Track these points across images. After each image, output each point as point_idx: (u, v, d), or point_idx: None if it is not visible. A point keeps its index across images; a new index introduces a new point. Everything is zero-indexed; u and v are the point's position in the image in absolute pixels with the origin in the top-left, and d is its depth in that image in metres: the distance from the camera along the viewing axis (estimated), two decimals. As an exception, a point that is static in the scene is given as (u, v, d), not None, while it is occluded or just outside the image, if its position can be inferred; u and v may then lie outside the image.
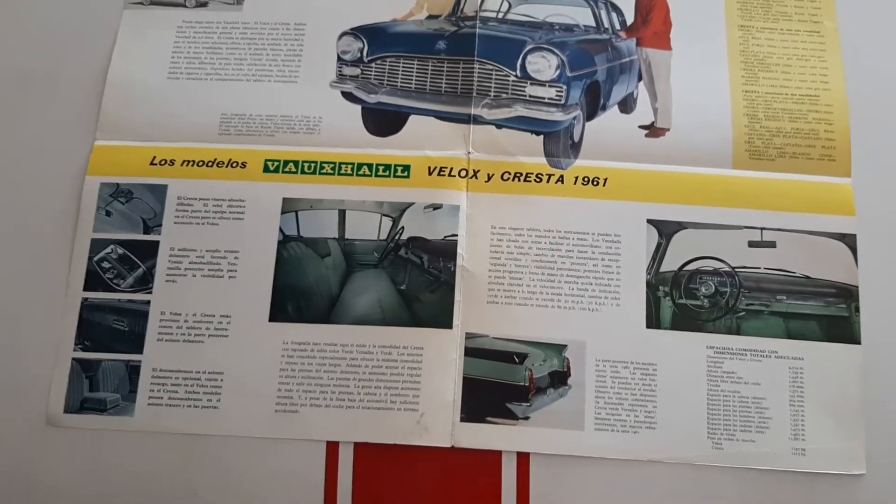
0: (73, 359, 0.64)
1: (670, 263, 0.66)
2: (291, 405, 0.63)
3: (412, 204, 0.67)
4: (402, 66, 0.72)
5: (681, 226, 0.67)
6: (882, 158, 0.69)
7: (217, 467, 0.62)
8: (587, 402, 0.63)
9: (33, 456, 0.62)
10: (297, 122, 0.69)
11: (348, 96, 0.71)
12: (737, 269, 0.66)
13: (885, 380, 0.64)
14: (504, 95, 0.70)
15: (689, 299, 0.66)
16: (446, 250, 0.65)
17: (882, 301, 0.66)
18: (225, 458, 0.62)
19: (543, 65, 0.70)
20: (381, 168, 0.68)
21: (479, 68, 0.70)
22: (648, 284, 0.66)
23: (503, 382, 0.63)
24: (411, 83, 0.72)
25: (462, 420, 0.62)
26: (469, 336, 0.64)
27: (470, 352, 0.64)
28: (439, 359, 0.63)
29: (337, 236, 0.66)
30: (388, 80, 0.72)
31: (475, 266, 0.65)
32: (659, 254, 0.66)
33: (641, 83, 0.72)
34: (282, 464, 0.62)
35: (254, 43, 0.72)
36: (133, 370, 0.64)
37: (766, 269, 0.66)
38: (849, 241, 0.67)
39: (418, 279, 0.65)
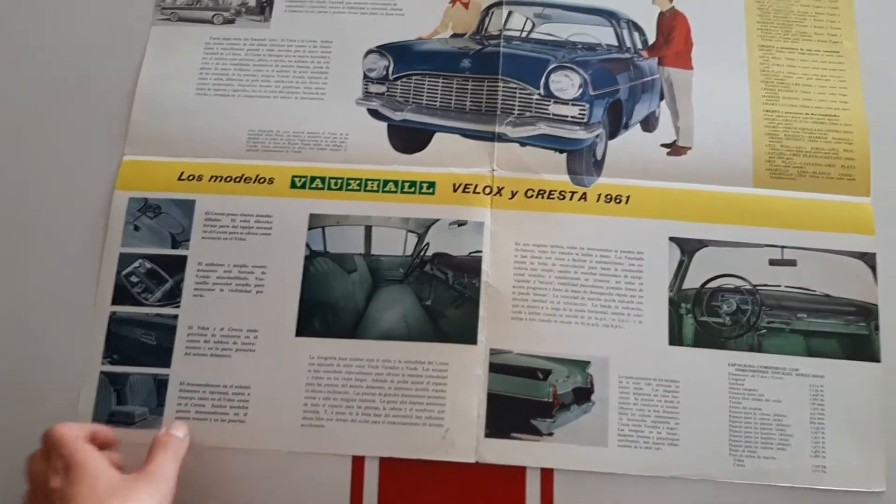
0: (102, 372, 0.65)
1: (692, 281, 0.67)
2: (318, 419, 0.63)
3: (437, 220, 0.68)
4: (428, 84, 0.73)
5: (702, 243, 0.68)
6: (901, 178, 0.70)
7: (243, 481, 0.62)
8: (610, 419, 0.64)
9: (62, 468, 0.62)
10: (324, 139, 0.70)
11: (374, 113, 0.72)
12: (758, 287, 0.67)
13: (904, 398, 0.65)
14: (528, 113, 0.70)
15: (711, 317, 0.66)
16: (471, 266, 0.66)
17: (902, 320, 0.66)
18: (251, 472, 0.63)
19: (567, 83, 0.71)
20: (406, 185, 0.69)
21: (503, 86, 0.71)
22: (671, 301, 0.66)
23: (527, 398, 0.64)
24: (436, 101, 0.72)
25: (486, 436, 0.63)
26: (493, 352, 0.65)
27: (494, 367, 0.64)
28: (464, 374, 0.64)
29: (363, 252, 0.67)
30: (413, 98, 0.73)
31: (499, 282, 0.66)
32: (681, 271, 0.67)
33: (663, 102, 0.73)
34: (308, 478, 0.62)
35: (281, 60, 0.73)
36: (161, 384, 0.64)
37: (786, 287, 0.67)
38: (868, 259, 0.67)
39: (443, 295, 0.66)
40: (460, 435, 0.63)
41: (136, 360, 0.65)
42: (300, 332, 0.65)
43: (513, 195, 0.68)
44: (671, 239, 0.68)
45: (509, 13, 0.75)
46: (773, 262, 0.68)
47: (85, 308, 0.66)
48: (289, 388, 0.64)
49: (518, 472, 0.62)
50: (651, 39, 0.75)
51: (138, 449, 0.59)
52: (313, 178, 0.69)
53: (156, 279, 0.67)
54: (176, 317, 0.66)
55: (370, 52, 0.73)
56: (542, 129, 0.70)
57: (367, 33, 0.74)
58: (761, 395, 0.64)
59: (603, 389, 0.64)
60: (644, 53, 0.75)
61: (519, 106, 0.71)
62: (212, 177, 0.69)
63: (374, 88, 0.73)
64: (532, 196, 0.69)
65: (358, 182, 0.69)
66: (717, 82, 0.72)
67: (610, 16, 0.75)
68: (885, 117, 0.71)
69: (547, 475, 0.62)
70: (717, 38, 0.74)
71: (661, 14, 0.75)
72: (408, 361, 0.64)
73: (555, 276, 0.66)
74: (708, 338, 0.66)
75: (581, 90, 0.70)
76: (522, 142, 0.70)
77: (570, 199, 0.69)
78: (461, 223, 0.67)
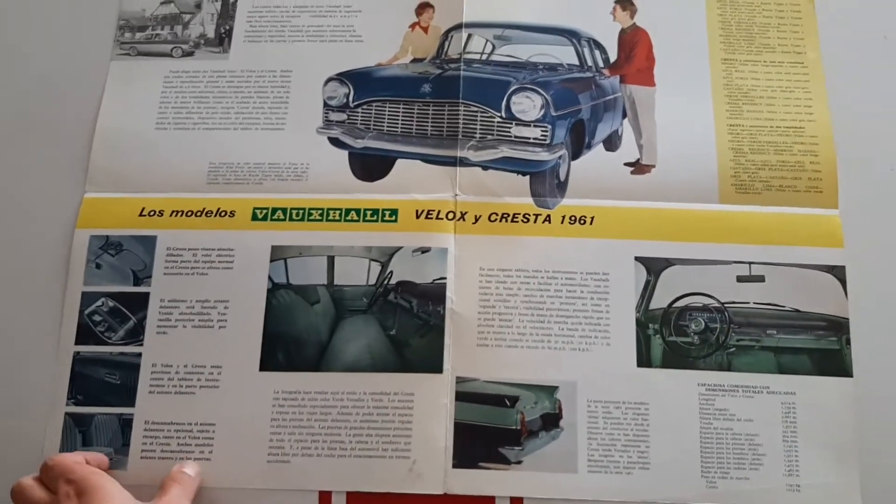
0: (66, 413, 0.64)
1: (659, 300, 0.66)
2: (283, 455, 0.63)
3: (400, 248, 0.67)
4: (388, 110, 0.73)
5: (669, 262, 0.67)
6: (869, 189, 0.69)
7: (211, 519, 0.62)
8: (580, 444, 0.63)
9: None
10: (285, 170, 0.70)
11: (335, 142, 0.71)
12: (726, 305, 0.66)
13: (877, 412, 0.64)
14: (490, 137, 0.70)
15: (679, 336, 0.66)
16: (435, 294, 0.66)
17: (873, 333, 0.66)
18: (219, 510, 0.62)
19: (528, 105, 0.70)
20: (368, 213, 0.68)
21: (464, 110, 0.71)
22: (638, 322, 0.66)
23: (495, 426, 0.63)
24: (397, 127, 0.72)
25: (454, 466, 0.62)
26: (460, 380, 0.64)
27: (461, 396, 0.64)
28: (430, 404, 0.63)
29: (326, 283, 0.67)
30: (374, 125, 0.73)
31: (464, 309, 0.66)
32: (648, 291, 0.67)
33: (626, 120, 0.72)
34: (275, 514, 0.62)
35: (240, 91, 0.72)
36: (126, 423, 0.64)
37: (755, 303, 0.66)
38: (838, 273, 0.67)
39: (408, 324, 0.65)
40: (428, 466, 0.62)
41: (101, 400, 0.64)
42: (264, 367, 0.64)
43: (476, 220, 0.68)
44: (637, 259, 0.67)
45: (469, 36, 0.74)
46: (740, 279, 0.67)
47: (48, 348, 0.66)
48: (254, 423, 0.63)
49: (487, 503, 0.62)
50: (612, 57, 0.74)
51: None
52: (274, 210, 0.68)
53: (119, 317, 0.66)
54: (139, 355, 0.65)
55: (330, 79, 0.73)
56: (505, 151, 0.69)
57: (327, 61, 0.73)
58: (732, 415, 0.64)
59: (571, 414, 0.63)
60: (606, 72, 0.74)
61: (480, 129, 0.70)
62: (173, 211, 0.69)
63: (334, 116, 0.72)
64: (496, 220, 0.68)
65: (320, 212, 0.68)
66: (680, 98, 0.72)
67: (571, 35, 0.75)
68: (850, 127, 0.71)
69: (517, 504, 0.62)
70: (679, 53, 0.74)
71: (623, 31, 0.74)
72: (373, 393, 0.63)
73: (520, 300, 0.66)
74: (677, 358, 0.65)
75: (543, 111, 0.70)
76: (485, 165, 0.69)
77: (535, 221, 0.68)
78: (425, 250, 0.67)
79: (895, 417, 0.64)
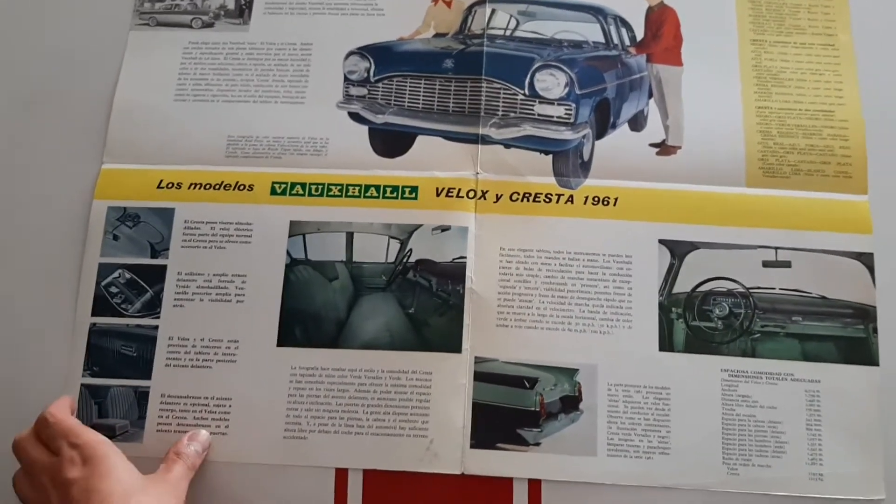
0: (82, 385, 0.64)
1: (683, 284, 0.65)
2: (300, 431, 0.62)
3: (420, 226, 0.66)
4: (410, 86, 0.71)
5: (693, 246, 0.66)
6: (899, 174, 0.68)
7: (225, 494, 0.61)
8: (599, 428, 0.62)
9: (42, 483, 0.62)
10: (304, 144, 0.69)
11: (355, 117, 0.70)
12: (751, 290, 0.65)
13: (904, 402, 0.63)
14: (512, 114, 0.69)
15: (702, 321, 0.65)
16: (455, 273, 0.65)
17: (901, 321, 0.64)
18: (233, 485, 0.61)
19: (552, 82, 0.69)
20: (388, 189, 0.67)
21: (486, 87, 0.69)
22: (661, 306, 0.65)
23: (514, 408, 0.62)
24: (418, 103, 0.71)
25: (472, 446, 0.61)
26: (478, 360, 0.63)
27: (479, 376, 0.63)
28: (448, 384, 0.62)
29: (345, 259, 0.66)
30: (395, 100, 0.71)
31: (484, 289, 0.65)
32: (671, 275, 0.65)
33: (652, 100, 0.71)
34: (290, 491, 0.61)
35: (260, 64, 0.71)
36: (142, 396, 0.63)
37: (781, 289, 0.65)
38: (866, 259, 0.65)
39: (427, 302, 0.64)
40: (445, 446, 0.61)
41: (117, 372, 0.64)
42: (281, 342, 0.64)
43: (497, 199, 0.67)
44: (661, 241, 0.66)
45: (493, 11, 0.73)
46: (766, 264, 0.66)
47: (65, 319, 0.65)
48: (271, 399, 0.63)
49: (505, 484, 0.61)
50: (639, 35, 0.73)
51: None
52: (293, 185, 0.68)
53: (135, 289, 0.66)
54: (156, 328, 0.65)
55: (351, 53, 0.71)
56: (528, 130, 0.68)
57: (348, 34, 0.72)
58: (755, 402, 0.63)
59: (591, 397, 0.62)
60: (632, 50, 0.73)
61: (503, 107, 0.69)
62: (191, 184, 0.68)
63: (354, 91, 0.71)
64: (517, 199, 0.67)
65: (339, 188, 0.67)
66: (708, 79, 0.70)
67: (597, 12, 0.73)
68: (882, 112, 0.69)
69: (534, 486, 0.61)
70: (707, 32, 0.72)
71: (650, 9, 0.73)
72: (391, 371, 0.63)
73: (541, 281, 0.65)
74: (700, 343, 0.64)
75: (567, 89, 0.69)
76: (507, 143, 0.68)
77: (557, 201, 0.67)
78: (444, 228, 0.66)
79: (922, 407, 0.63)
